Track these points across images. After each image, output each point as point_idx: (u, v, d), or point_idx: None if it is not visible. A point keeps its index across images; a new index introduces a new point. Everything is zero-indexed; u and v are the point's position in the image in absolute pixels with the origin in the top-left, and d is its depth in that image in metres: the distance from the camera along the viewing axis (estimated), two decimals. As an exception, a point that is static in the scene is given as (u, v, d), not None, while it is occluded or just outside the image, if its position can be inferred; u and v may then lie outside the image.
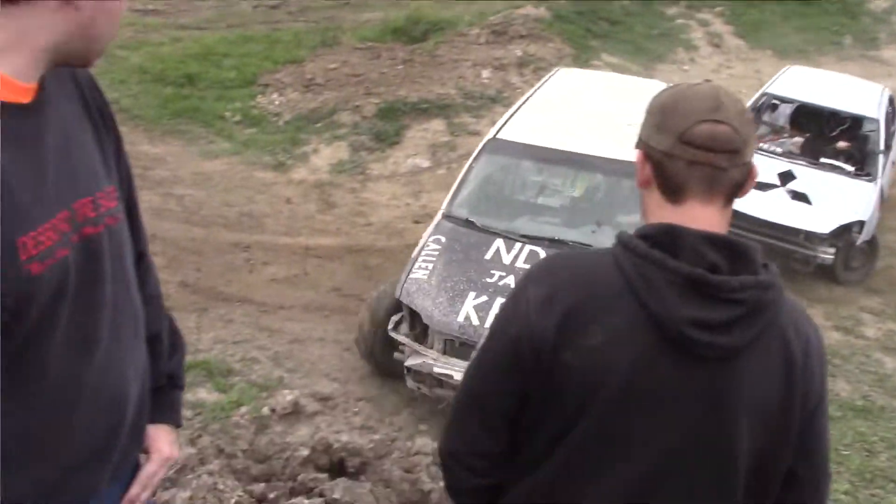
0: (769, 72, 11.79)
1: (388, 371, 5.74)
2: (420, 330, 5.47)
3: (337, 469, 4.60)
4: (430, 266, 5.65)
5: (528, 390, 1.56)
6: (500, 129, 6.67)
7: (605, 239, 5.69)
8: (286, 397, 5.29)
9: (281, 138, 9.96)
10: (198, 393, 5.34)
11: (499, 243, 5.79)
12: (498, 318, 1.63)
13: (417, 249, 5.95)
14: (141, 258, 1.77)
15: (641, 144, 1.58)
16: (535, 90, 7.63)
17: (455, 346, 5.32)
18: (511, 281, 5.43)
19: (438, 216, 6.25)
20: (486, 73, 11.40)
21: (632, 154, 6.34)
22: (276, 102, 10.78)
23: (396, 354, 5.56)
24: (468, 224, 6.02)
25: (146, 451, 1.77)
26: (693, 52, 13.97)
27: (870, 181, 8.34)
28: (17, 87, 1.35)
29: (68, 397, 1.46)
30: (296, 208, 8.65)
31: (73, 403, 1.48)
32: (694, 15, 15.00)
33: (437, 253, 5.77)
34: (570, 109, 6.94)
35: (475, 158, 6.52)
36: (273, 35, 12.97)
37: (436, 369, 5.24)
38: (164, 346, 1.84)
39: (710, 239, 1.49)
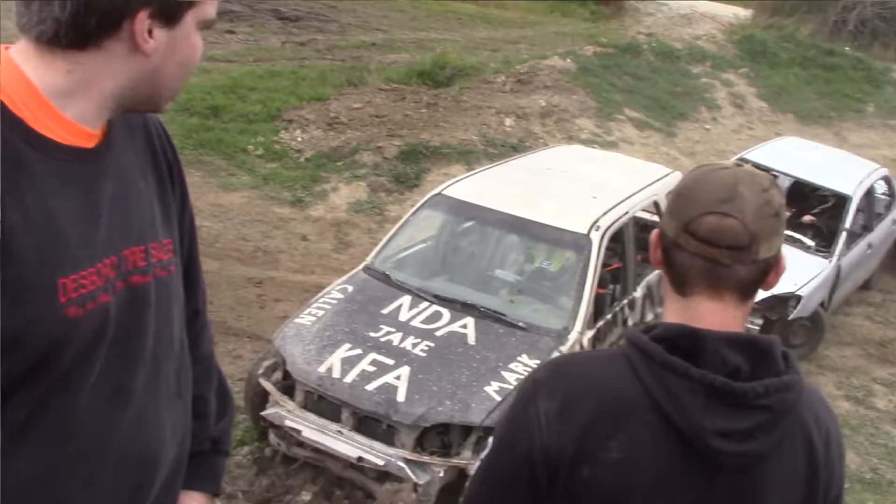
0: (790, 135, 11.82)
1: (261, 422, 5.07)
2: (292, 380, 4.97)
3: (337, 516, 4.57)
4: (321, 313, 5.20)
5: None
6: (450, 185, 6.26)
7: (522, 309, 5.45)
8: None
9: (301, 175, 10.02)
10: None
11: (404, 300, 5.34)
12: (504, 428, 1.53)
13: (318, 296, 5.53)
14: (196, 316, 1.74)
15: (659, 226, 1.54)
16: (520, 157, 7.38)
17: (314, 400, 4.83)
18: (396, 339, 4.99)
19: (358, 267, 5.85)
20: (508, 121, 11.47)
21: (577, 224, 5.83)
22: (299, 139, 10.86)
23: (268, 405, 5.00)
24: (384, 278, 5.60)
25: None
26: (716, 112, 14.05)
27: (825, 258, 8.03)
28: (81, 132, 1.35)
29: (94, 449, 1.41)
30: (311, 245, 8.67)
31: (99, 456, 1.42)
32: (718, 75, 15.12)
33: (334, 301, 5.33)
34: (539, 177, 6.48)
35: (414, 213, 6.17)
36: (300, 72, 13.12)
37: (287, 422, 4.76)
38: (211, 408, 1.77)
39: (732, 340, 1.42)
